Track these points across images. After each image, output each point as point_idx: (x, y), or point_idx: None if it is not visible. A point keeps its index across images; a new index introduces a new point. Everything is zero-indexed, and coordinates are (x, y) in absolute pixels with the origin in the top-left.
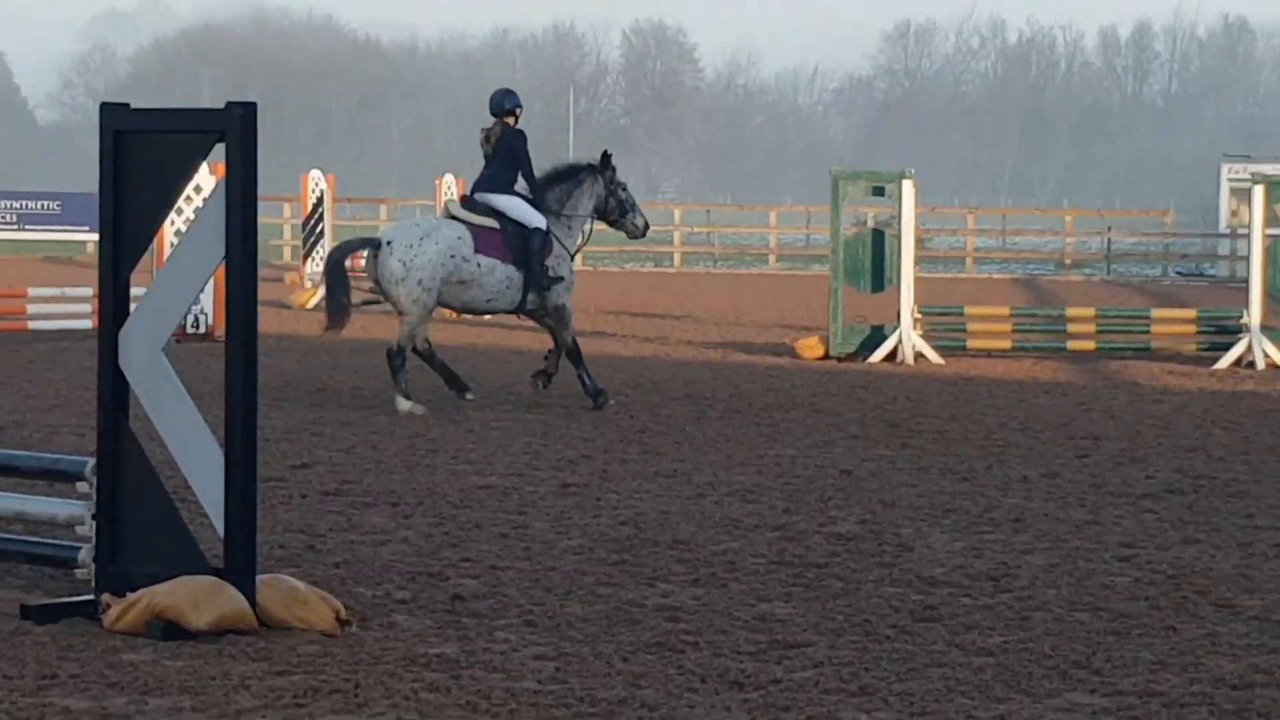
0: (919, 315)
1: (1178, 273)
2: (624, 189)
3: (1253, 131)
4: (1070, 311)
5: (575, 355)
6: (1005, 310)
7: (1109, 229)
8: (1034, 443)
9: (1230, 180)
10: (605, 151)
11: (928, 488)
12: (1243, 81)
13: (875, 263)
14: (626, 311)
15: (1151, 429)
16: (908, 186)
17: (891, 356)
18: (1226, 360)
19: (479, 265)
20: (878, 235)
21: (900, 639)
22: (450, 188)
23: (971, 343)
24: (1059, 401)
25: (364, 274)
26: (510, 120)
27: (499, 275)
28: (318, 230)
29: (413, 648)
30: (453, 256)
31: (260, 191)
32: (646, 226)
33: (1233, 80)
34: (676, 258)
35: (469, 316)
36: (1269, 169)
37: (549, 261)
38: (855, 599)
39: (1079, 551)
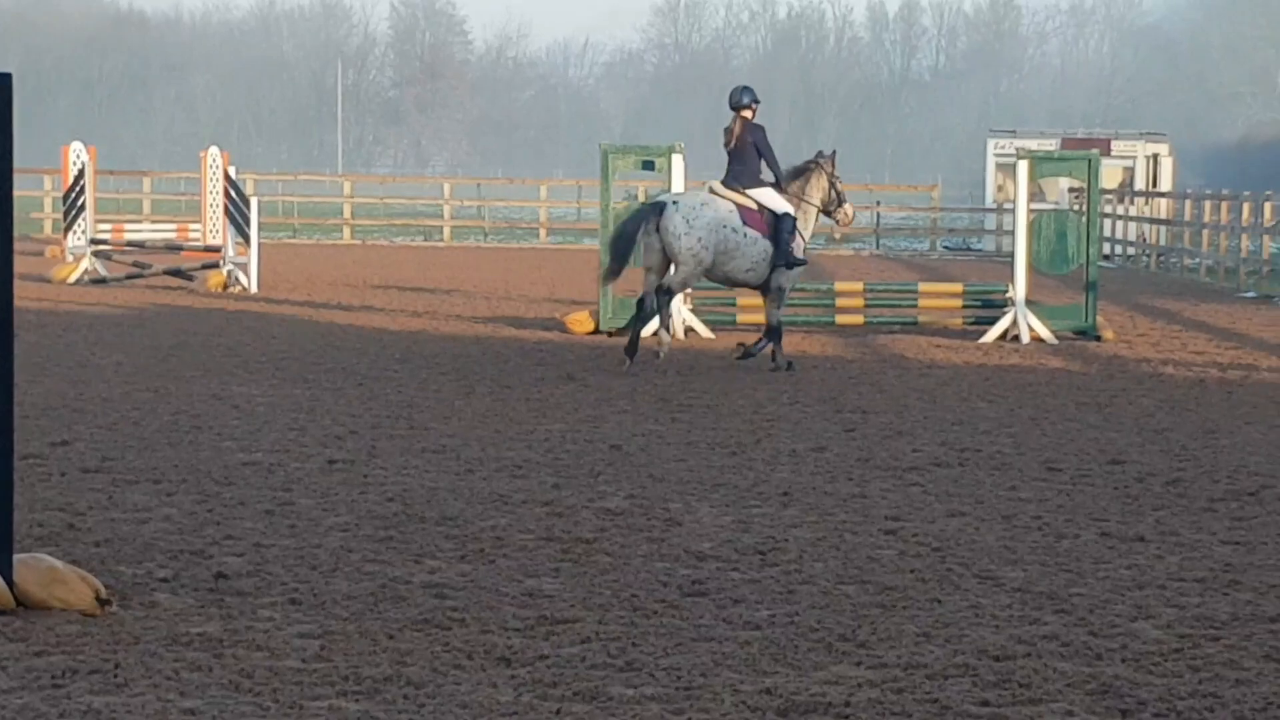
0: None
1: (945, 247)
2: (840, 181)
3: (1018, 107)
4: (839, 285)
5: (777, 333)
6: None
7: (878, 203)
8: (802, 417)
9: (996, 155)
10: (834, 150)
11: (696, 462)
12: (1008, 57)
13: None
14: (395, 286)
15: (918, 403)
16: (677, 160)
17: None
18: (992, 334)
19: (745, 236)
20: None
21: (668, 614)
22: (215, 160)
23: (741, 317)
24: (827, 375)
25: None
26: (748, 114)
27: (759, 248)
28: (79, 204)
29: (174, 627)
30: (724, 226)
31: (19, 163)
32: (854, 215)
33: (999, 56)
34: (446, 232)
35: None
36: (1034, 144)
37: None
38: (623, 574)
39: (845, 525)
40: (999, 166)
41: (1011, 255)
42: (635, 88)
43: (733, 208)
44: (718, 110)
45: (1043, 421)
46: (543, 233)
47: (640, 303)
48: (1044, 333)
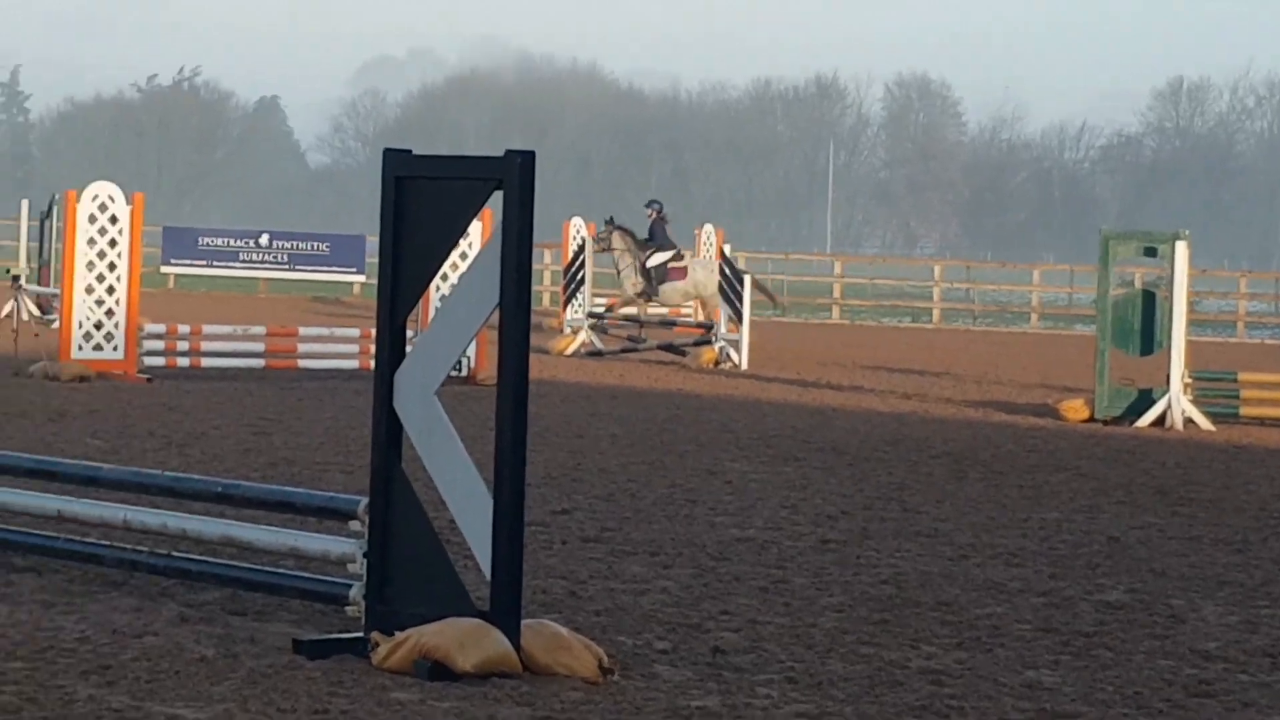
0: (1189, 380)
1: None
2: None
3: None
4: None
5: None
6: None
7: None
8: None
9: None
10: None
11: (1199, 558)
12: None
13: (1145, 324)
14: (884, 367)
15: None
16: (1181, 248)
17: (1160, 421)
18: None
19: None
20: (1148, 296)
21: (1173, 713)
22: (709, 238)
23: (1245, 410)
24: None
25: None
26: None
27: None
28: (579, 277)
29: (674, 699)
30: None
31: None
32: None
33: None
34: (935, 314)
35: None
36: None
37: None
38: (1126, 670)
39: None
40: None
41: None
42: (1132, 172)
43: None
44: (1218, 198)
45: None
46: (1034, 317)
47: None
48: None
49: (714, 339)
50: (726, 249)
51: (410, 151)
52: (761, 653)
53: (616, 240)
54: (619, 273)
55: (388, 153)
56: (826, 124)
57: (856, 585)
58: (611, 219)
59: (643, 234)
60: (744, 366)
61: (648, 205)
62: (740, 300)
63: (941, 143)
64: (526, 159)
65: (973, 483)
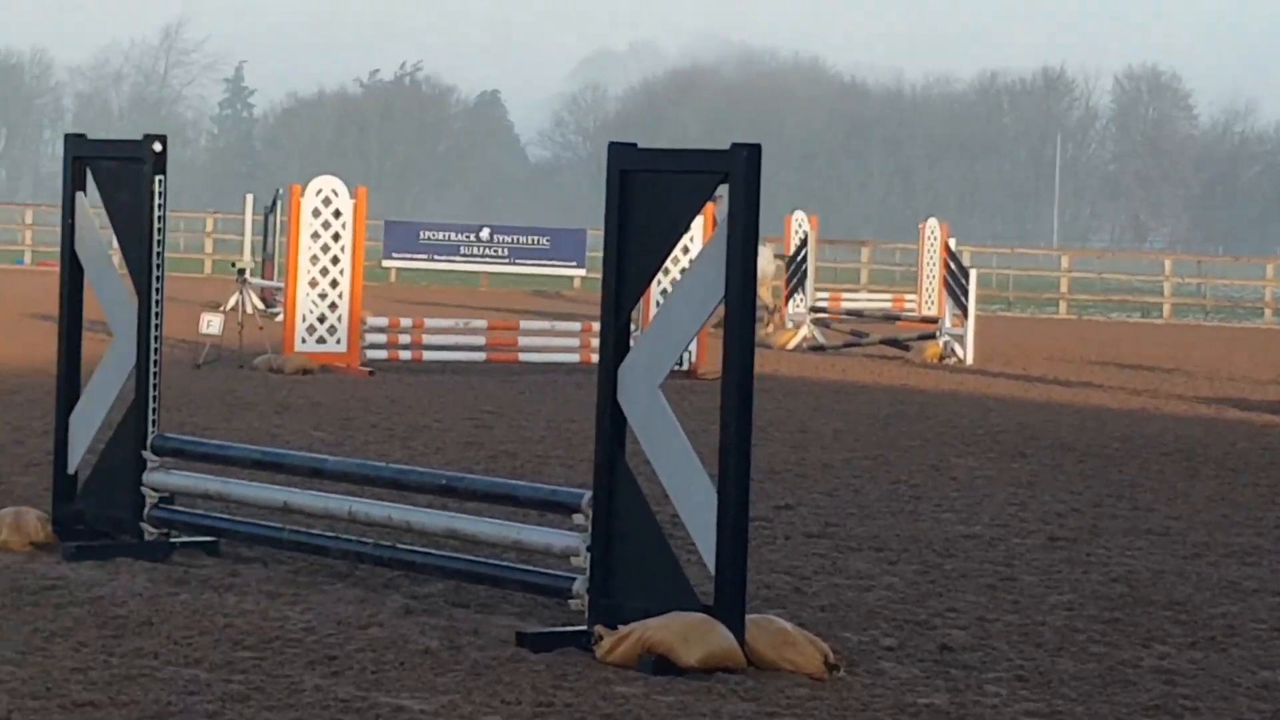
0: None
1: None
2: None
3: None
4: None
5: None
6: None
7: None
8: None
9: None
10: None
11: None
12: None
13: None
14: (1114, 363)
15: None
16: None
17: None
18: None
19: None
20: None
21: None
22: (934, 232)
23: None
24: None
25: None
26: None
27: None
28: (801, 271)
29: (901, 696)
30: None
31: None
32: None
33: None
34: (1166, 309)
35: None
36: None
37: None
38: None
39: None
40: None
41: None
42: None
43: None
44: None
45: None
46: (1268, 313)
47: None
48: None
49: (939, 334)
50: (951, 243)
51: (635, 145)
52: (990, 650)
53: None
54: None
55: (613, 146)
56: (1054, 117)
57: (1086, 583)
58: None
59: None
60: (969, 362)
61: None
62: (965, 295)
63: (1172, 136)
64: (753, 152)
65: (1206, 480)
